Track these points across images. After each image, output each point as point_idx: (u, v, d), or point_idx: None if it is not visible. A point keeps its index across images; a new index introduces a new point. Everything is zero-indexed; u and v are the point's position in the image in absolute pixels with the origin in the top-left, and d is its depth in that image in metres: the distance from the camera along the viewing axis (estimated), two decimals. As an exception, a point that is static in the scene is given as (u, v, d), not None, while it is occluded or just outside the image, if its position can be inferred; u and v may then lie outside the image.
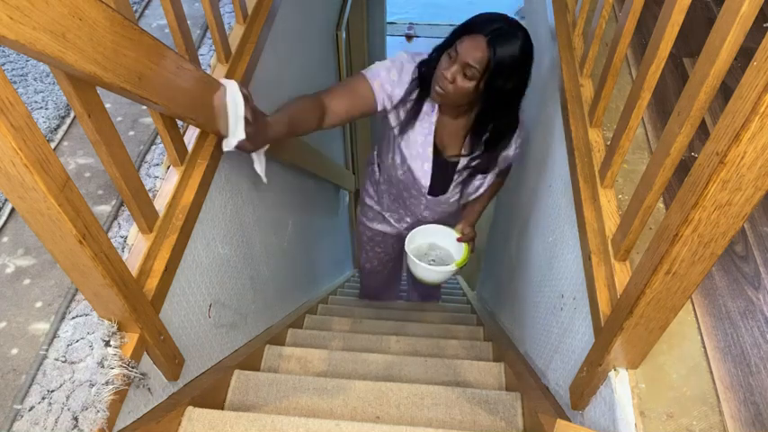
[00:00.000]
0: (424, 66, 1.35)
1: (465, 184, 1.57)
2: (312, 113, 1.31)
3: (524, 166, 2.12)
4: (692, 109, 0.70)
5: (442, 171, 1.54)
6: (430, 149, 1.47)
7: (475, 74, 1.23)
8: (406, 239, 1.71)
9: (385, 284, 2.75)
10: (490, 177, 1.59)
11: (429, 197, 1.61)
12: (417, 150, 1.48)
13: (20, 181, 0.64)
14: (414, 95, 1.39)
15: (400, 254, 2.27)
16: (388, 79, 1.37)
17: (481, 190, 1.61)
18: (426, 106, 1.42)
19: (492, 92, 1.26)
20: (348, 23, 3.51)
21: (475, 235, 1.74)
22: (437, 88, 1.30)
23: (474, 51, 1.20)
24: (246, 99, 1.06)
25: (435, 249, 1.81)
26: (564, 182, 1.38)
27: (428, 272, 1.67)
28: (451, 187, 1.57)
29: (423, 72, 1.35)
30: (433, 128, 1.44)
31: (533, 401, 1.26)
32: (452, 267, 1.66)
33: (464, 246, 1.72)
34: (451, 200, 1.65)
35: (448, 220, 1.81)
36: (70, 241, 0.73)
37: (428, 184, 1.55)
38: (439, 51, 1.30)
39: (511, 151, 1.51)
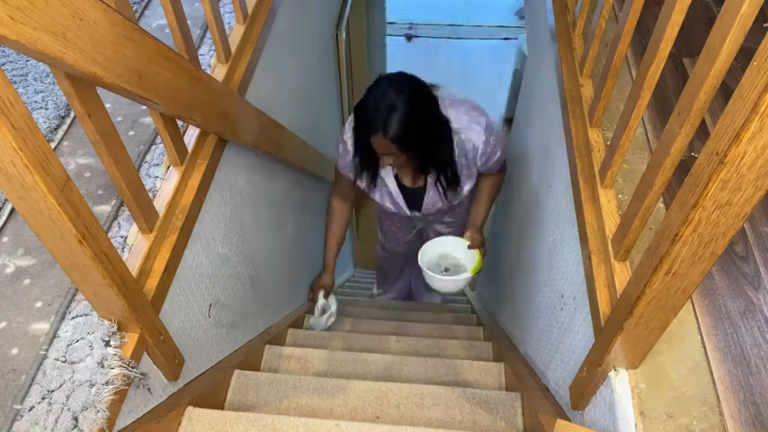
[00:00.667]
0: (358, 151, 1.52)
1: (441, 196, 1.69)
2: (345, 221, 1.94)
3: (524, 166, 2.12)
4: (692, 109, 0.70)
5: (415, 195, 1.75)
6: (396, 188, 1.73)
7: (397, 154, 1.41)
8: (419, 253, 1.79)
9: (403, 267, 2.87)
10: (470, 181, 1.68)
11: (416, 214, 1.82)
12: (388, 191, 1.75)
13: (20, 181, 0.64)
14: (366, 166, 1.62)
15: (417, 236, 2.36)
16: (343, 164, 1.68)
17: (466, 189, 1.69)
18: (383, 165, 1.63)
19: (415, 149, 1.44)
20: (348, 23, 3.51)
21: (484, 239, 1.80)
22: (388, 167, 1.63)
23: (383, 149, 1.41)
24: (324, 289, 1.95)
25: (447, 259, 1.84)
26: (564, 182, 1.38)
27: (443, 282, 1.72)
28: (425, 203, 1.75)
29: (363, 153, 1.51)
30: (393, 174, 1.70)
31: (533, 401, 1.26)
32: (467, 275, 1.70)
33: (476, 252, 1.75)
34: (436, 210, 1.78)
35: (454, 227, 2.01)
36: (70, 241, 0.73)
37: (407, 208, 1.79)
38: (358, 144, 1.48)
39: (478, 157, 1.59)
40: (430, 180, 1.65)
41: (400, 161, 1.46)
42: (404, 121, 1.34)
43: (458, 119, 1.54)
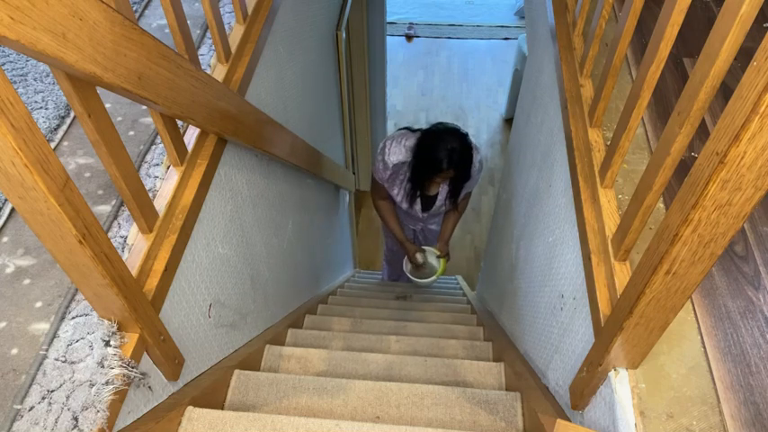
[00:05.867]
0: (416, 178, 2.13)
1: (446, 201, 2.34)
2: (394, 208, 2.47)
3: (524, 166, 2.12)
4: (692, 109, 0.70)
5: (427, 200, 2.35)
6: (418, 203, 2.36)
7: (450, 177, 2.07)
8: (404, 262, 2.60)
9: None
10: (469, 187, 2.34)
11: (424, 214, 2.46)
12: (407, 194, 2.27)
13: (20, 181, 0.64)
14: (405, 185, 2.22)
15: (413, 236, 3.04)
16: (383, 176, 2.24)
17: (463, 193, 2.32)
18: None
19: (464, 176, 2.08)
20: (348, 23, 3.51)
21: (448, 251, 2.55)
22: (433, 189, 2.27)
23: (444, 177, 2.05)
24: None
25: (424, 264, 2.61)
26: (564, 182, 1.38)
27: (421, 282, 2.54)
28: (435, 205, 2.36)
29: (419, 180, 2.14)
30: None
31: (533, 401, 1.26)
32: (434, 278, 2.52)
33: (442, 260, 2.51)
34: (439, 210, 2.43)
35: (438, 226, 2.68)
36: (70, 241, 0.73)
37: (422, 211, 2.41)
38: (418, 174, 2.09)
39: (473, 185, 2.25)
40: (443, 189, 2.27)
41: (446, 180, 2.12)
42: (466, 160, 1.97)
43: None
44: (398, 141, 2.10)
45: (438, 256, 2.52)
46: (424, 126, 2.12)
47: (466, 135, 2.00)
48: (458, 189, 2.21)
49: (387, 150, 2.13)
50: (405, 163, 2.12)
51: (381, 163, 2.17)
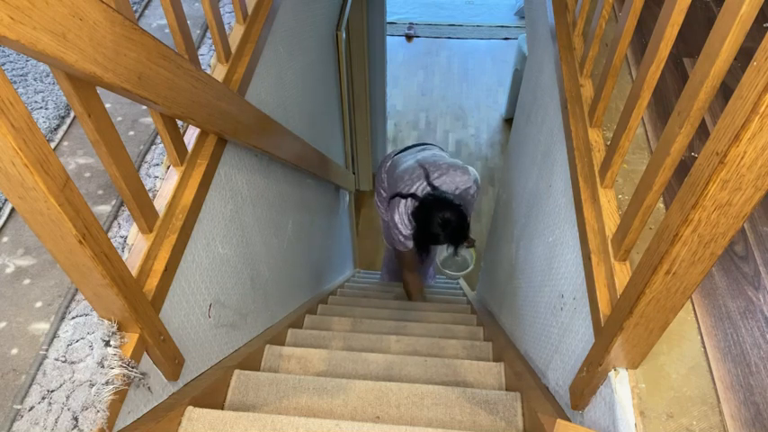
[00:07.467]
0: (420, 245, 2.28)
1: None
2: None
3: (524, 166, 2.12)
4: (692, 109, 0.70)
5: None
6: None
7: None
8: (436, 257, 2.92)
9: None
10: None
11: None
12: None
13: (20, 181, 0.64)
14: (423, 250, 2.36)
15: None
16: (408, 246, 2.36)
17: None
18: None
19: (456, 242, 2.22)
20: (348, 23, 3.51)
21: (474, 240, 2.76)
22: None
23: (441, 245, 2.22)
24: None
25: (451, 257, 2.90)
26: (564, 182, 1.38)
27: (460, 274, 2.87)
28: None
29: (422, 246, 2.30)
30: None
31: (533, 401, 1.26)
32: (471, 267, 2.84)
33: (472, 250, 2.79)
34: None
35: None
36: (70, 241, 0.73)
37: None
38: (419, 244, 2.27)
39: (474, 200, 2.35)
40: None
41: None
42: (461, 227, 2.07)
43: (455, 182, 2.22)
44: (399, 214, 2.23)
45: (467, 247, 2.76)
46: (416, 172, 2.24)
47: (459, 206, 2.08)
48: (458, 244, 2.29)
49: (401, 227, 2.26)
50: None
51: (401, 236, 2.30)
